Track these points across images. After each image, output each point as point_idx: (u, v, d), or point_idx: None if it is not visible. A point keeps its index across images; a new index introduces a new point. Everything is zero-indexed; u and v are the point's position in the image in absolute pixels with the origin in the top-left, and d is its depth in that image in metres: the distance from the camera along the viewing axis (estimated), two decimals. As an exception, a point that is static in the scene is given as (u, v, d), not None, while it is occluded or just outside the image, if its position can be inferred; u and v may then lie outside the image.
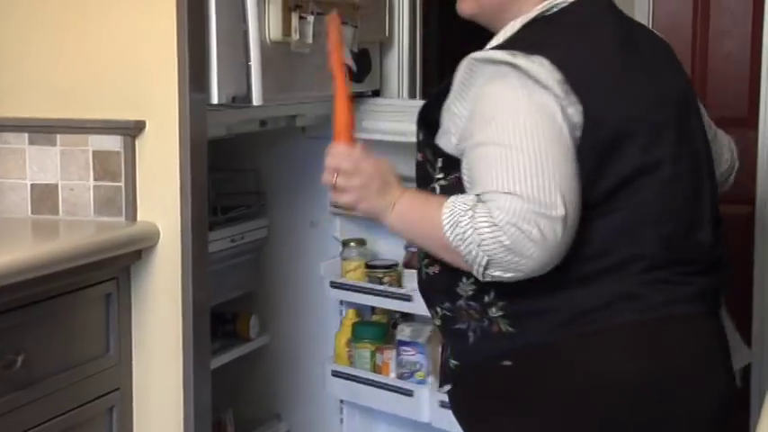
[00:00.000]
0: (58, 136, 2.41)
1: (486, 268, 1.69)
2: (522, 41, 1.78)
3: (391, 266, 3.07)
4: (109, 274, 2.32)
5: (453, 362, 1.90)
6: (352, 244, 3.15)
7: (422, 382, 2.97)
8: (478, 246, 1.67)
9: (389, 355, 3.05)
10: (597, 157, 1.73)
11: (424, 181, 1.91)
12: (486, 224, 1.66)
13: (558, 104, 1.70)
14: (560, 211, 1.66)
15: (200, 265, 2.39)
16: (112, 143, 2.37)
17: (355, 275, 3.11)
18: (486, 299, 1.80)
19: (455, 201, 1.72)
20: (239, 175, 3.22)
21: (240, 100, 2.47)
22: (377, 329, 3.13)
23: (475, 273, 1.72)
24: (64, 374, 2.19)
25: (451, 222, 1.70)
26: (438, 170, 1.85)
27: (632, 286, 1.76)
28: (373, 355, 3.09)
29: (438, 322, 1.93)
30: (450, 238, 1.70)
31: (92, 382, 2.28)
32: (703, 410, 1.80)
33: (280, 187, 3.26)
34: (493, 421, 1.86)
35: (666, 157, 1.79)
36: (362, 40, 2.98)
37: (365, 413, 3.22)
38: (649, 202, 1.77)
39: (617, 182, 1.75)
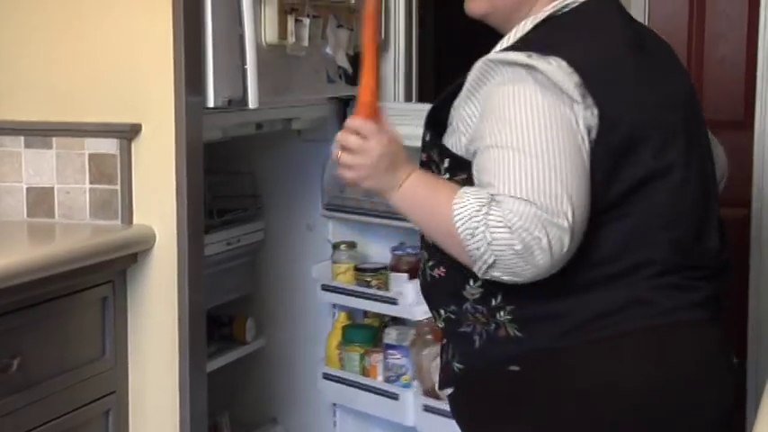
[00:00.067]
0: (54, 139, 2.41)
1: (489, 267, 1.68)
2: (537, 42, 1.76)
3: (379, 270, 3.07)
4: (105, 277, 2.32)
5: (458, 365, 1.88)
6: (342, 247, 3.16)
7: (407, 386, 2.97)
8: (488, 244, 1.65)
9: (377, 358, 3.05)
10: (611, 161, 1.72)
11: None
12: (500, 225, 1.64)
13: (576, 110, 1.69)
14: (569, 222, 1.64)
15: (197, 269, 2.39)
16: (108, 146, 2.37)
17: (345, 278, 3.12)
18: (494, 302, 1.78)
19: (469, 193, 1.69)
20: (235, 178, 3.22)
21: (236, 103, 2.47)
22: (366, 333, 3.13)
23: (476, 269, 1.70)
24: (60, 378, 2.19)
25: (463, 215, 1.67)
26: (444, 171, 1.83)
27: (643, 291, 1.75)
28: (362, 358, 3.09)
29: (441, 325, 1.90)
30: (460, 230, 1.67)
31: (88, 386, 2.27)
32: (708, 416, 1.79)
33: (276, 190, 3.26)
34: (497, 426, 1.85)
35: (677, 160, 1.78)
36: (358, 43, 2.98)
37: (359, 417, 3.22)
38: (660, 206, 1.76)
39: (629, 186, 1.74)
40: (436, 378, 2.82)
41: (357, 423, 3.25)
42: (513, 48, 1.78)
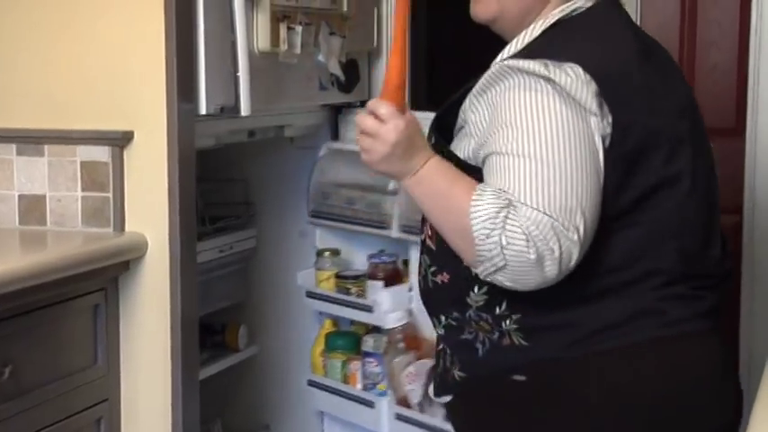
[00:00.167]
0: (46, 146, 2.40)
1: (497, 270, 1.65)
2: (550, 48, 1.73)
3: (359, 277, 3.07)
4: (97, 284, 2.31)
5: (459, 373, 1.86)
6: (326, 254, 3.16)
7: (382, 394, 2.97)
8: (502, 247, 1.62)
9: (357, 365, 3.06)
10: (622, 169, 1.70)
11: None
12: (517, 232, 1.61)
13: (593, 122, 1.67)
14: (580, 236, 1.63)
15: (189, 276, 2.39)
16: (100, 153, 2.37)
17: (327, 285, 3.12)
18: (498, 310, 1.76)
19: (487, 193, 1.65)
20: (228, 185, 3.22)
21: (228, 110, 2.47)
22: (348, 340, 3.14)
23: (480, 269, 1.67)
24: (52, 385, 2.19)
25: (481, 215, 1.63)
26: None
27: (650, 301, 1.74)
28: (344, 365, 3.10)
29: (441, 332, 1.88)
30: (475, 229, 1.64)
31: (80, 393, 2.27)
32: (715, 426, 1.79)
33: (268, 197, 3.26)
34: None
35: (685, 169, 1.77)
36: (350, 51, 2.99)
37: (346, 425, 3.21)
38: (669, 215, 1.75)
39: (639, 194, 1.72)
40: (408, 387, 2.84)
41: (345, 431, 3.25)
42: (524, 53, 1.75)
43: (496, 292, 1.73)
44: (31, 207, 2.42)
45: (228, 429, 3.21)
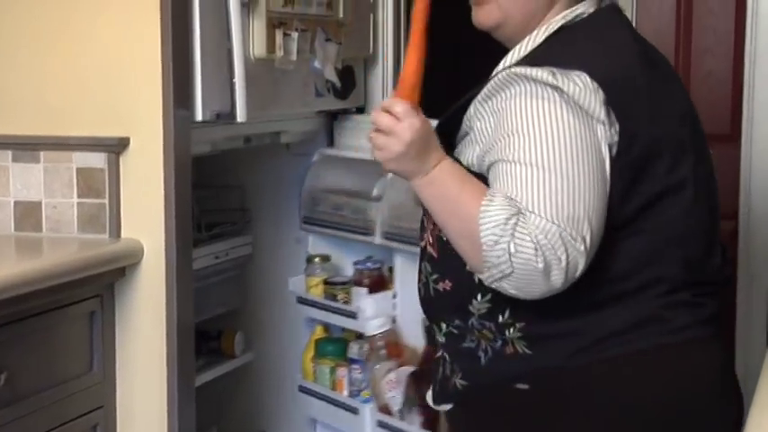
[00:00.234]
0: (42, 153, 2.40)
1: (503, 277, 1.63)
2: (556, 54, 1.72)
3: (346, 283, 3.07)
4: (93, 291, 2.31)
5: (461, 382, 1.84)
6: (316, 260, 3.16)
7: (366, 401, 2.97)
8: (510, 255, 1.60)
9: (344, 372, 3.06)
10: (628, 177, 1.69)
11: None
12: (526, 239, 1.60)
13: (601, 131, 1.66)
14: (586, 246, 1.62)
15: (185, 283, 2.39)
16: (96, 160, 2.37)
17: (316, 291, 3.12)
18: (501, 318, 1.74)
19: (497, 199, 1.64)
20: (223, 191, 3.21)
21: (224, 117, 2.47)
22: (336, 346, 3.13)
23: (486, 276, 1.65)
24: (47, 392, 2.18)
25: (490, 221, 1.62)
26: None
27: (655, 309, 1.73)
28: (332, 371, 3.10)
29: (442, 339, 1.86)
30: (483, 235, 1.62)
31: (75, 400, 2.27)
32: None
33: (264, 204, 3.25)
34: None
35: (689, 176, 1.76)
36: (346, 57, 2.99)
37: (337, 432, 3.22)
38: (673, 222, 1.74)
39: (645, 202, 1.72)
40: (388, 394, 2.84)
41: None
42: (529, 59, 1.73)
43: (500, 300, 1.71)
44: (27, 213, 2.42)
45: (224, 436, 3.20)
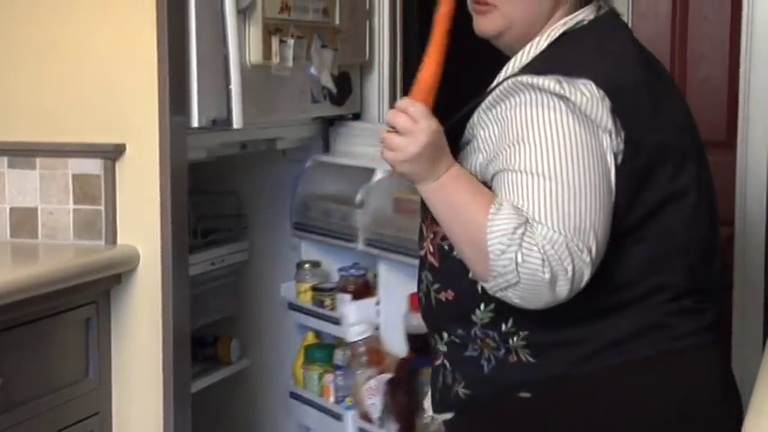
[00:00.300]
0: (38, 159, 2.40)
1: (508, 287, 1.62)
2: (560, 62, 1.71)
3: (333, 289, 3.07)
4: (88, 297, 2.31)
5: (464, 391, 1.82)
6: (306, 266, 3.16)
7: (350, 407, 2.96)
8: (517, 264, 1.60)
9: (331, 378, 3.06)
10: (633, 185, 1.69)
11: None
12: (533, 250, 1.59)
13: (607, 140, 1.66)
14: (592, 257, 1.62)
15: (181, 289, 2.39)
16: (92, 166, 2.36)
17: (305, 298, 3.12)
18: (504, 327, 1.73)
19: (506, 208, 1.63)
20: (220, 197, 3.22)
21: (220, 123, 2.47)
22: (325, 352, 3.13)
23: (490, 285, 1.64)
24: (43, 399, 2.18)
25: (498, 230, 1.61)
26: None
27: (659, 316, 1.73)
28: (321, 377, 3.09)
29: (443, 348, 1.84)
30: (490, 243, 1.61)
31: (71, 407, 2.26)
32: None
33: (260, 210, 3.25)
34: None
35: (690, 183, 1.76)
36: (343, 64, 2.99)
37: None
38: (676, 230, 1.74)
39: (648, 210, 1.71)
40: (368, 401, 2.83)
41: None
42: (533, 66, 1.72)
43: (503, 309, 1.70)
44: (23, 220, 2.42)
45: (220, 443, 3.20)
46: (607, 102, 1.66)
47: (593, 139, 1.65)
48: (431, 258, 1.81)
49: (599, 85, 1.66)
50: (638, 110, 1.70)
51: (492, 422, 1.81)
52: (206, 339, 3.10)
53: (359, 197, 2.91)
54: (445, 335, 1.82)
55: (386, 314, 2.91)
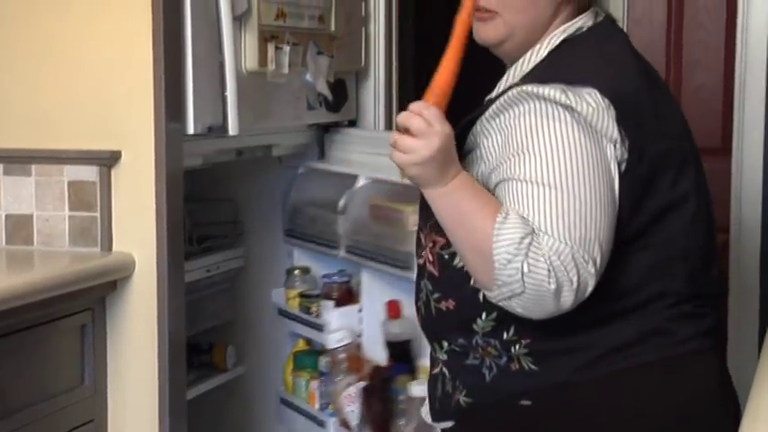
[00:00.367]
0: (34, 166, 2.40)
1: (513, 296, 1.61)
2: (563, 69, 1.70)
3: (318, 296, 3.06)
4: (84, 304, 2.31)
5: (465, 399, 1.81)
6: (296, 272, 3.15)
7: (333, 414, 2.95)
8: (523, 275, 1.59)
9: (316, 384, 3.05)
10: (636, 193, 1.69)
11: (429, 209, 1.79)
12: (540, 260, 1.59)
13: (611, 150, 1.66)
14: (596, 267, 1.62)
15: (176, 296, 2.38)
16: (88, 173, 2.36)
17: (293, 304, 3.12)
18: (506, 335, 1.73)
19: (512, 218, 1.62)
20: (215, 204, 3.21)
21: (216, 130, 2.47)
22: (312, 359, 3.12)
23: (494, 294, 1.64)
24: (39, 406, 2.18)
25: (505, 240, 1.60)
26: None
27: (661, 322, 1.73)
28: (308, 384, 3.09)
29: (443, 357, 1.83)
30: (496, 253, 1.60)
31: (66, 414, 2.26)
32: None
33: (256, 217, 3.25)
34: None
35: (690, 190, 1.77)
36: (338, 70, 2.99)
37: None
38: (677, 236, 1.74)
39: (651, 217, 1.72)
40: (347, 408, 2.82)
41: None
42: (535, 75, 1.72)
43: (505, 318, 1.70)
44: (18, 227, 2.42)
45: (216, 450, 3.19)
46: (612, 110, 1.65)
47: (597, 150, 1.65)
48: (430, 267, 1.80)
49: (603, 93, 1.65)
50: (640, 117, 1.70)
51: (492, 430, 1.81)
52: (201, 346, 3.09)
53: (341, 204, 2.91)
54: (445, 343, 1.81)
55: (368, 321, 2.90)
